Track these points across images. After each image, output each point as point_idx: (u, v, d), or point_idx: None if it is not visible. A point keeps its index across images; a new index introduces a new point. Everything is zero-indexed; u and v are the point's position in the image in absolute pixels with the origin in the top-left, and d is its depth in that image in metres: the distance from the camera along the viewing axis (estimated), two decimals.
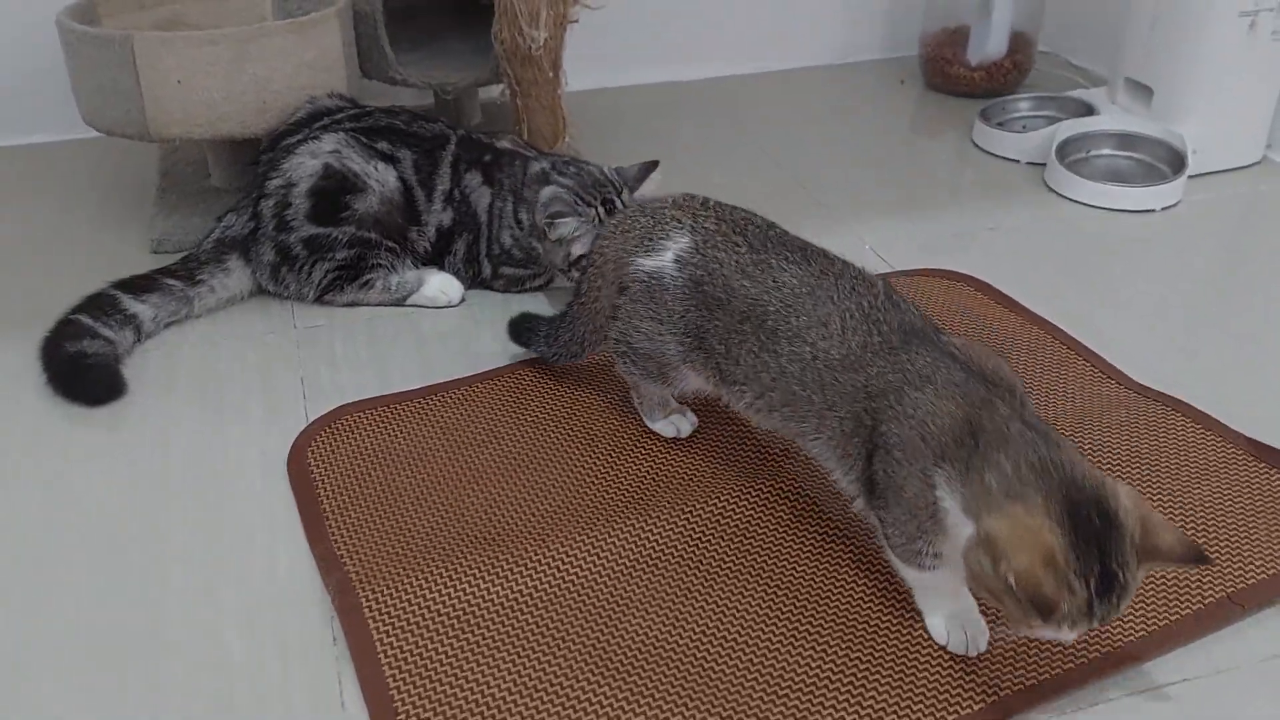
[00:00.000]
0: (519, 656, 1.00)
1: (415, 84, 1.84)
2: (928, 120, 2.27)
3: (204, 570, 1.11)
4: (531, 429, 1.30)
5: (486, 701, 0.96)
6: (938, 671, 0.99)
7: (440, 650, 1.00)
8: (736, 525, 1.16)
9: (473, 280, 1.59)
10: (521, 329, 1.41)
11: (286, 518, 1.18)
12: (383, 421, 1.31)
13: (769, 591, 1.07)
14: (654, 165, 1.53)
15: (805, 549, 1.12)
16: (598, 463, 1.25)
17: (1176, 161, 1.90)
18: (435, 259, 1.58)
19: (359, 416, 1.32)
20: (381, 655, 0.99)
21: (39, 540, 1.15)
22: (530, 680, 0.98)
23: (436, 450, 1.27)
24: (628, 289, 1.18)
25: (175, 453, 1.27)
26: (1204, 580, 1.08)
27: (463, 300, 1.57)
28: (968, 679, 0.98)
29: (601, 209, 1.47)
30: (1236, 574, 1.09)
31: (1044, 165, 1.97)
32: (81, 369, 1.36)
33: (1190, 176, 1.90)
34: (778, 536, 1.14)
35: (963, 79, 2.30)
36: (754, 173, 1.99)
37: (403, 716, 0.94)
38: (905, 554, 0.98)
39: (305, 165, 1.49)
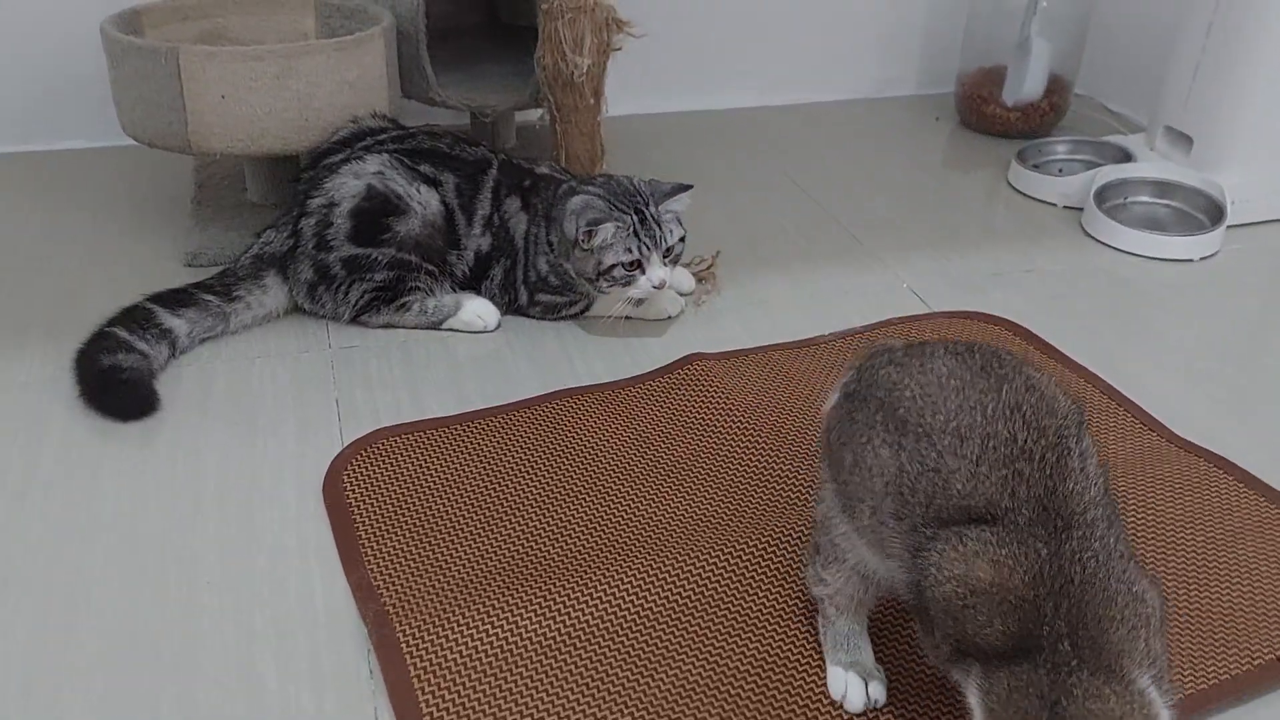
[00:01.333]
0: (556, 699, 0.98)
1: (455, 106, 1.83)
2: (961, 158, 2.26)
3: (237, 594, 1.10)
4: (569, 460, 1.29)
5: None
6: None
7: (477, 689, 0.99)
8: (781, 565, 1.14)
9: (509, 306, 1.58)
10: None
11: (321, 543, 1.16)
12: (419, 447, 1.30)
13: (797, 647, 1.05)
14: (687, 187, 1.52)
15: None
16: (637, 497, 1.23)
17: (1215, 212, 1.89)
18: (473, 284, 1.57)
19: (395, 441, 1.31)
20: (419, 692, 0.98)
21: (69, 558, 1.13)
22: None
23: (473, 478, 1.25)
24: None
25: (208, 472, 1.26)
26: (1252, 640, 1.07)
27: (499, 326, 1.56)
28: None
29: (634, 217, 1.46)
30: None
31: (1080, 210, 1.96)
32: (115, 383, 1.35)
33: (1229, 227, 1.89)
34: None
35: (998, 118, 2.30)
36: (788, 205, 1.98)
37: None
38: None
39: (348, 185, 1.48)
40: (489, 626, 1.05)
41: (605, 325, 1.57)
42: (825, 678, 1.01)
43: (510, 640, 1.04)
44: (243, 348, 1.49)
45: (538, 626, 1.05)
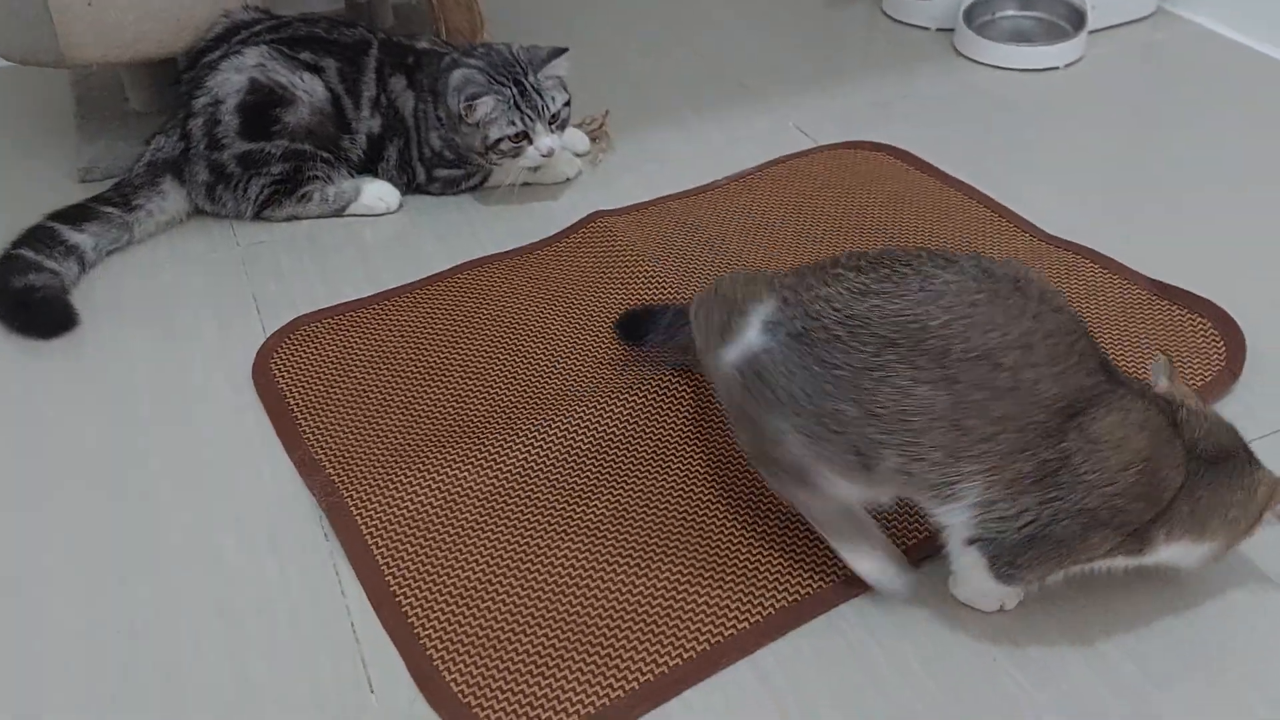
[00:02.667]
0: (499, 535, 1.07)
1: None
2: None
3: (189, 486, 1.16)
4: (486, 327, 1.35)
5: (474, 575, 1.03)
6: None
7: (426, 536, 1.07)
8: (692, 397, 1.23)
9: (408, 185, 1.61)
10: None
11: (260, 428, 1.22)
12: (340, 329, 1.35)
13: (720, 463, 1.15)
14: (563, 51, 1.54)
15: None
16: (555, 353, 1.31)
17: (1076, 18, 1.97)
18: (369, 167, 1.60)
19: (316, 326, 1.36)
20: (373, 546, 1.06)
21: (24, 473, 1.18)
22: (512, 553, 1.05)
23: (396, 353, 1.31)
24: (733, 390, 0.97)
25: (139, 377, 1.30)
26: None
27: (401, 206, 1.59)
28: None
29: (514, 89, 1.49)
30: None
31: (952, 31, 2.02)
32: (31, 303, 1.37)
33: (1090, 32, 1.97)
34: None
35: None
36: (672, 58, 2.01)
37: (400, 597, 1.01)
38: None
39: (231, 81, 1.49)
40: (430, 482, 1.13)
41: (505, 194, 1.61)
42: (735, 497, 1.11)
43: (450, 491, 1.12)
44: (151, 255, 1.51)
45: (474, 477, 1.14)
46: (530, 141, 1.50)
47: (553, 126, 1.52)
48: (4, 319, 1.36)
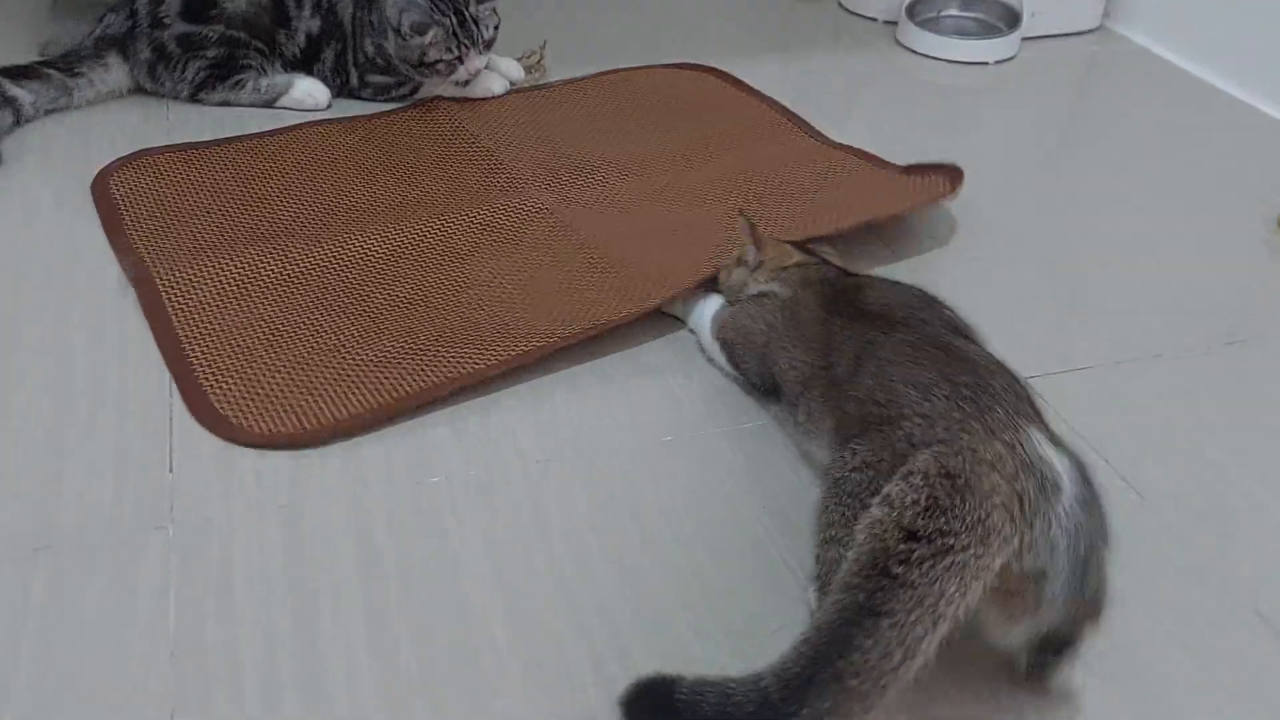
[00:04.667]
0: (291, 311, 1.22)
1: None
2: None
3: (20, 283, 1.28)
4: (311, 168, 1.51)
5: (260, 338, 1.18)
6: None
7: (221, 305, 1.22)
8: (442, 232, 1.39)
9: (341, 88, 1.71)
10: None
11: (91, 233, 1.36)
12: (179, 161, 1.51)
13: (479, 265, 1.33)
14: None
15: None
16: (359, 182, 1.48)
17: (1014, 20, 2.05)
18: (305, 66, 1.70)
19: (158, 157, 1.52)
20: (172, 315, 1.20)
21: None
22: (300, 325, 1.20)
23: (224, 179, 1.49)
24: None
25: (21, 197, 1.40)
26: None
27: (329, 105, 1.69)
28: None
29: (454, 19, 1.59)
30: None
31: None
32: None
33: (1030, 38, 2.05)
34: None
35: None
36: (627, 27, 2.11)
37: (186, 347, 1.16)
38: None
39: None
40: (233, 268, 1.29)
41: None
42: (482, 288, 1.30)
43: (253, 277, 1.28)
44: (85, 118, 1.61)
45: (275, 268, 1.30)
46: (462, 63, 1.61)
47: (484, 49, 1.62)
48: None
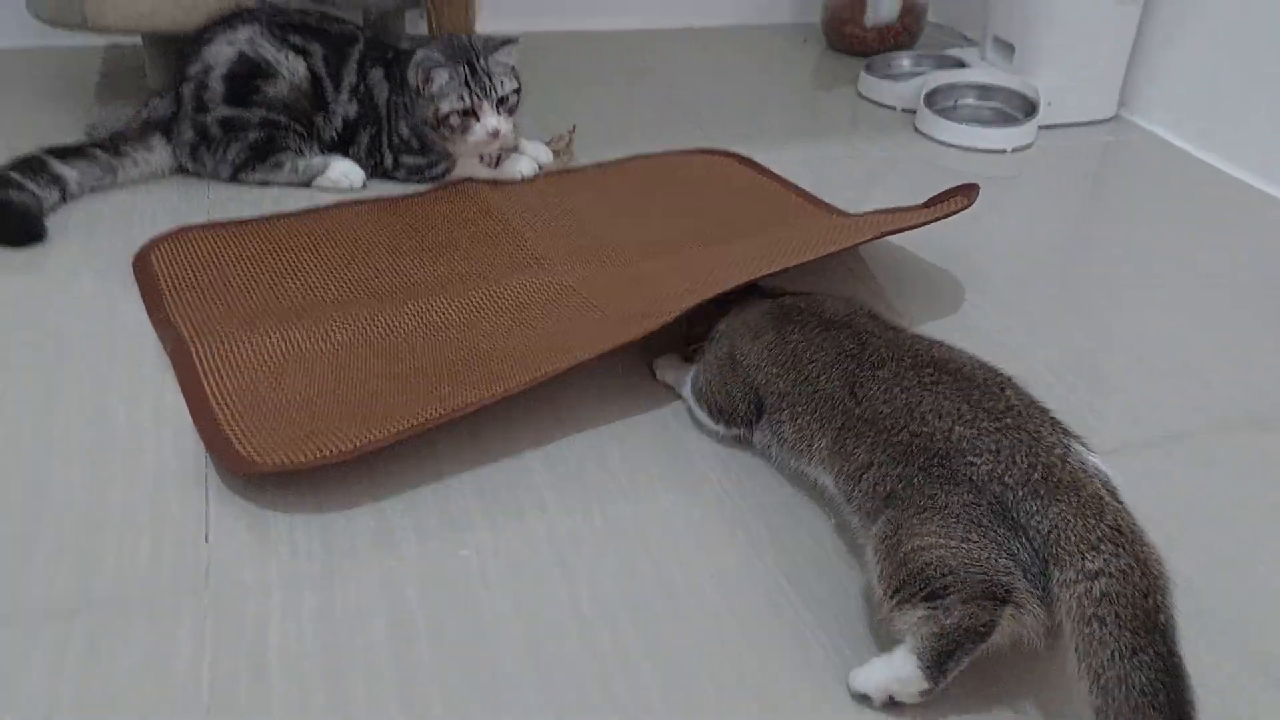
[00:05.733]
0: (324, 376, 1.25)
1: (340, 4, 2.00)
2: (824, 75, 2.46)
3: (61, 352, 1.31)
4: (345, 246, 1.55)
5: (292, 402, 1.20)
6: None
7: (253, 373, 1.25)
8: (471, 309, 1.42)
9: (375, 169, 1.77)
10: None
11: (131, 305, 1.41)
12: (219, 237, 1.56)
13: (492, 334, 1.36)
14: (513, 40, 1.70)
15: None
16: (391, 259, 1.52)
17: (1030, 110, 2.10)
18: (341, 148, 1.75)
19: (199, 232, 1.57)
20: (206, 385, 1.24)
21: None
22: (329, 388, 1.23)
23: (262, 256, 1.51)
24: None
25: (80, 285, 1.44)
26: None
27: (364, 186, 1.74)
28: None
29: (466, 69, 1.65)
30: None
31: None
32: (7, 212, 1.52)
33: (1047, 126, 2.10)
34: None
35: (857, 39, 2.50)
36: (652, 108, 2.17)
37: (220, 413, 1.19)
38: None
39: (222, 52, 1.66)
40: (267, 342, 1.32)
41: None
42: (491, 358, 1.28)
43: (287, 350, 1.30)
44: (130, 197, 1.67)
45: (309, 342, 1.33)
46: (477, 119, 1.65)
47: (501, 109, 1.67)
48: None
